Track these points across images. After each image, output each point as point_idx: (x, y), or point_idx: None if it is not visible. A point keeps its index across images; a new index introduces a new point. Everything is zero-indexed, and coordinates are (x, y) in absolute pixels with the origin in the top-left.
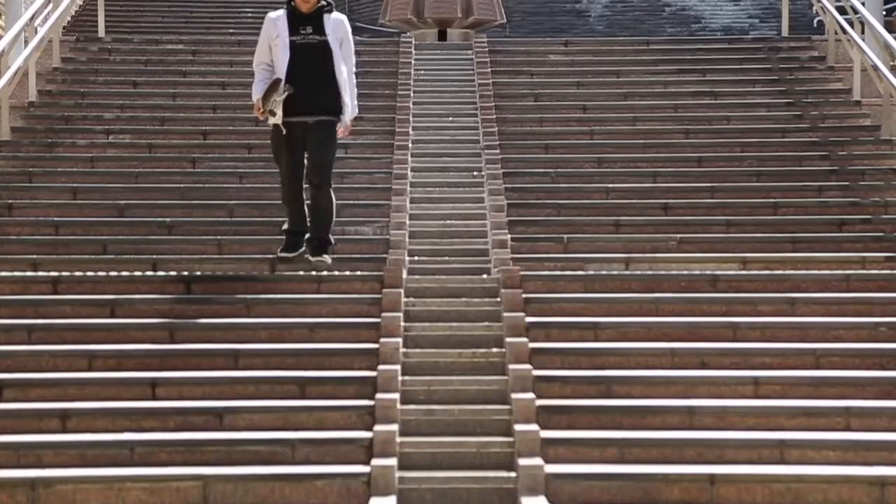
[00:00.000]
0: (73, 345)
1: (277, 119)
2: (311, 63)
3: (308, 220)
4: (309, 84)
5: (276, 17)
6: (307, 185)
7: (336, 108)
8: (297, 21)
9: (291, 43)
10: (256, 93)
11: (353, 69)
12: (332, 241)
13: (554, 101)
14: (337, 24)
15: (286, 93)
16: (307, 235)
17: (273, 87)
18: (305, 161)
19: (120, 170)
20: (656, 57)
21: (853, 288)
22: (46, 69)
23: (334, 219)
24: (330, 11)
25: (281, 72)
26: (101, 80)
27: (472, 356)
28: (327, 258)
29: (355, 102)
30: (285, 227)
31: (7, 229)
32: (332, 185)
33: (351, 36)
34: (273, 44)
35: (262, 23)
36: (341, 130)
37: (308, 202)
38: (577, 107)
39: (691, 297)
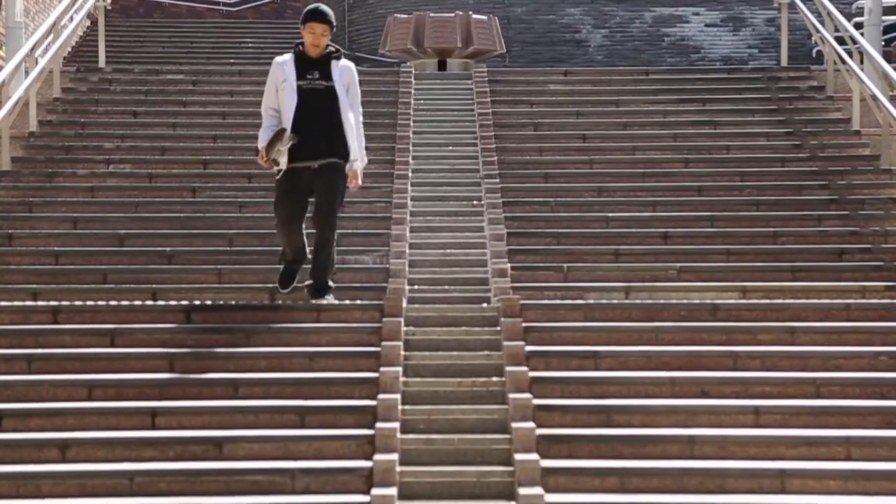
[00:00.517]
0: (72, 374)
1: (283, 165)
2: (318, 108)
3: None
4: (315, 129)
5: (284, 62)
6: (311, 236)
7: (342, 153)
8: (304, 66)
9: (298, 88)
10: (261, 140)
11: (361, 117)
12: (333, 285)
13: (553, 131)
14: (344, 71)
15: (291, 142)
16: (308, 282)
17: (277, 136)
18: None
19: (120, 199)
20: (656, 86)
21: (853, 317)
22: (47, 99)
23: (334, 265)
24: (339, 57)
25: (287, 116)
26: (102, 110)
27: (472, 385)
28: (331, 299)
29: (364, 152)
30: (283, 255)
31: (7, 259)
32: (336, 229)
33: (358, 83)
34: (280, 87)
35: (262, 53)
36: (352, 182)
37: (311, 247)
38: (576, 136)
39: (691, 326)
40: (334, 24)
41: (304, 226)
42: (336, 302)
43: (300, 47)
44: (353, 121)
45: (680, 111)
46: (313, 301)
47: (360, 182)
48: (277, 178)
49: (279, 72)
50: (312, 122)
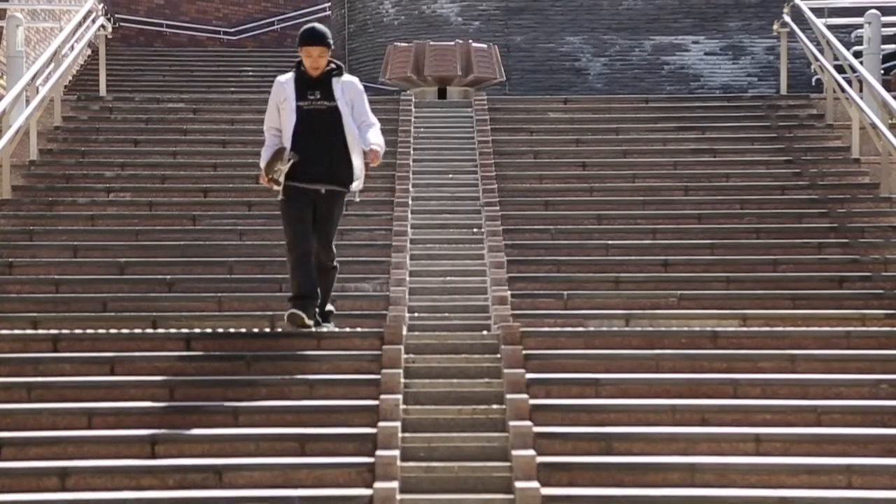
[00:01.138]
0: (72, 402)
1: (281, 178)
2: (319, 129)
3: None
4: (316, 150)
5: (285, 81)
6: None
7: (346, 178)
8: (305, 85)
9: (298, 108)
10: (263, 159)
11: (378, 126)
12: (333, 310)
13: (553, 158)
14: (347, 87)
15: (291, 161)
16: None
17: (277, 155)
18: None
19: (120, 227)
20: (656, 114)
21: (854, 345)
22: (48, 128)
23: (332, 289)
24: (340, 74)
25: (287, 137)
26: (102, 138)
27: (472, 413)
28: (332, 326)
29: (381, 139)
30: (291, 295)
31: (7, 287)
32: (336, 253)
33: (364, 97)
34: (281, 108)
35: (262, 81)
36: (371, 157)
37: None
38: (576, 164)
39: (692, 354)
40: (332, 43)
41: (312, 255)
42: (336, 329)
43: (301, 67)
44: (357, 135)
45: (680, 139)
46: (315, 329)
47: (379, 159)
48: (279, 199)
49: (280, 91)
50: (314, 143)
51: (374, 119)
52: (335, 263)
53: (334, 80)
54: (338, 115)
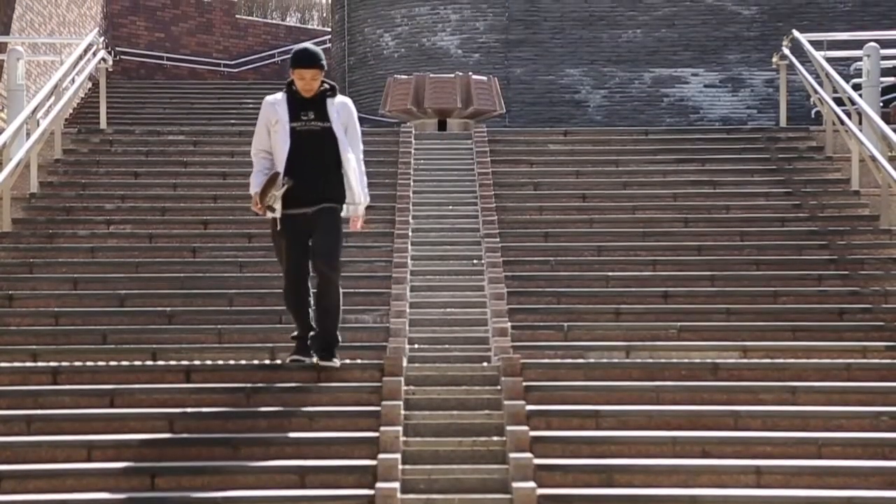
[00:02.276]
0: (72, 435)
1: (277, 213)
2: (313, 151)
3: (313, 318)
4: (311, 173)
5: (275, 102)
6: (314, 279)
7: (339, 197)
8: (297, 105)
9: (292, 129)
10: (254, 185)
11: (362, 156)
12: (340, 338)
13: (553, 190)
14: (341, 108)
15: (285, 186)
16: (312, 333)
17: (271, 181)
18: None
19: (120, 260)
20: (655, 146)
21: (854, 377)
22: (48, 161)
23: (342, 315)
24: (333, 95)
25: (280, 160)
26: (103, 171)
27: (472, 445)
28: (336, 362)
29: (366, 190)
30: (294, 334)
31: (7, 320)
32: (341, 276)
33: (357, 120)
34: (272, 129)
35: None
36: (356, 222)
37: (314, 296)
38: (576, 195)
39: (692, 386)
40: (325, 65)
41: (310, 290)
42: (339, 365)
43: (293, 86)
44: (353, 161)
45: (679, 171)
46: (320, 362)
47: (362, 224)
48: (274, 228)
49: (271, 112)
50: (308, 166)
51: (360, 147)
52: (338, 280)
53: (329, 100)
54: (332, 137)
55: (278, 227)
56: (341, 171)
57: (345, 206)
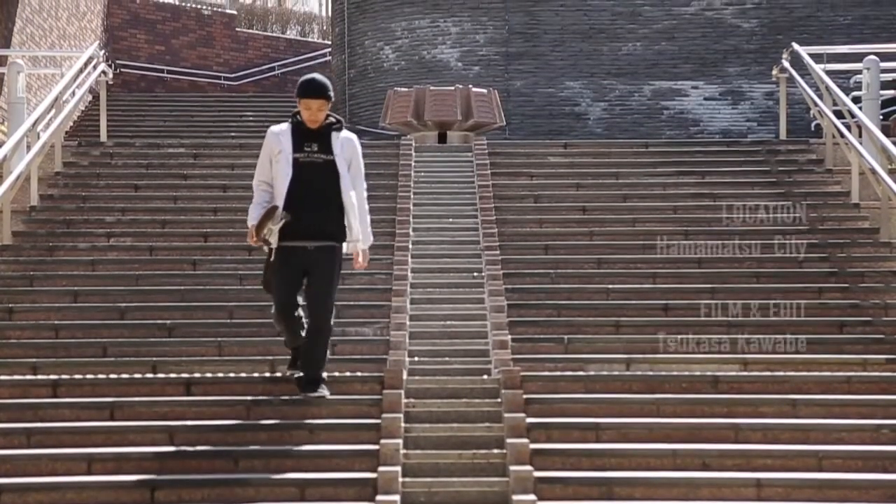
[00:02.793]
0: (72, 448)
1: (273, 244)
2: (315, 183)
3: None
4: (311, 206)
5: (280, 132)
6: (304, 315)
7: (339, 234)
8: (302, 137)
9: (295, 160)
10: (252, 217)
11: (365, 194)
12: (326, 377)
13: (554, 203)
14: (346, 144)
15: (283, 221)
16: (298, 374)
17: (269, 214)
18: (302, 293)
19: (121, 272)
20: (655, 159)
21: (855, 390)
22: (48, 174)
23: (328, 356)
24: (339, 129)
25: (280, 191)
26: (103, 183)
27: (472, 457)
28: (326, 392)
29: (369, 230)
30: (289, 347)
31: (7, 333)
32: (333, 316)
33: (361, 157)
34: (274, 160)
35: (263, 126)
36: (359, 262)
37: (304, 332)
38: (576, 208)
39: (692, 398)
40: (332, 96)
41: (301, 312)
42: (330, 396)
43: (298, 117)
44: (354, 199)
45: (679, 183)
46: (305, 395)
47: (365, 263)
48: (268, 259)
49: (274, 142)
50: (309, 198)
51: (364, 186)
52: (330, 325)
53: (334, 133)
54: (334, 171)
55: (272, 258)
56: (342, 206)
57: (351, 243)
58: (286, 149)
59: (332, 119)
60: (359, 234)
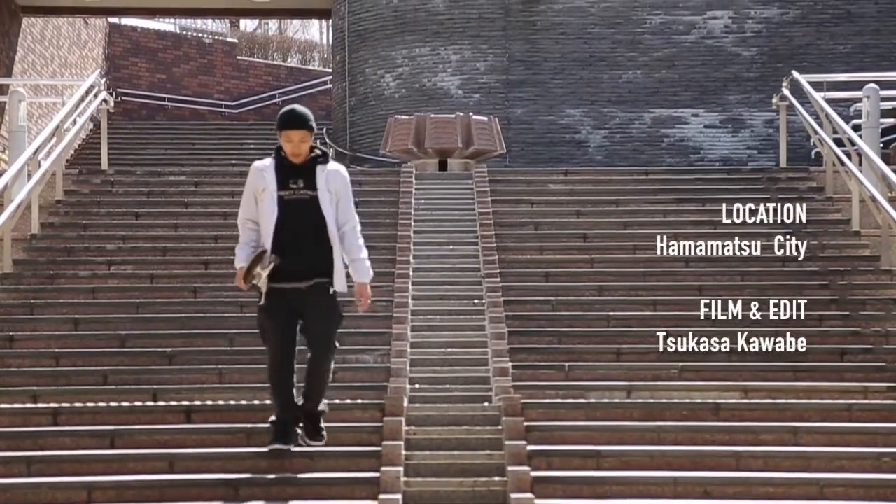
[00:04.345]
0: (72, 476)
1: (262, 288)
2: (303, 221)
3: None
4: (301, 245)
5: (263, 168)
6: (304, 354)
7: (331, 271)
8: (286, 173)
9: (279, 198)
10: (239, 259)
11: (359, 227)
12: (326, 408)
13: (554, 230)
14: (332, 176)
15: (272, 265)
16: (299, 403)
17: (257, 259)
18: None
19: (121, 300)
20: (656, 186)
21: (856, 418)
22: (49, 202)
23: (328, 386)
24: (325, 162)
25: (267, 231)
26: (104, 211)
27: (473, 485)
28: (323, 435)
29: (368, 263)
30: (272, 418)
31: (8, 361)
32: (334, 354)
33: (350, 189)
34: (259, 198)
35: (263, 154)
36: (362, 302)
37: (304, 370)
38: (577, 235)
39: (693, 426)
40: (314, 126)
41: (294, 370)
42: (326, 448)
43: (282, 152)
44: (336, 234)
45: (680, 211)
46: (310, 443)
47: (368, 304)
48: (260, 303)
49: (258, 180)
50: (298, 237)
51: (356, 219)
52: (331, 359)
53: (319, 167)
54: (320, 207)
55: (263, 302)
56: (330, 244)
57: (338, 281)
58: (270, 187)
59: (317, 151)
60: (340, 285)
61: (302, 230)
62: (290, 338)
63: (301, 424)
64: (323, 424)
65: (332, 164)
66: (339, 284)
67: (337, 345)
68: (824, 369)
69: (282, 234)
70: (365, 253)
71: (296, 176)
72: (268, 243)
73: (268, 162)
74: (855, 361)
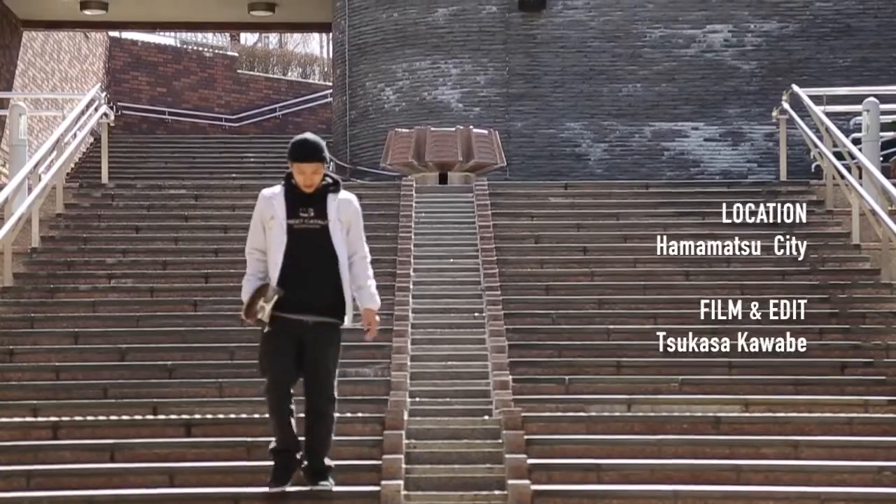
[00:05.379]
0: (72, 490)
1: (266, 320)
2: (312, 251)
3: (302, 438)
4: (309, 276)
5: (272, 196)
6: (306, 399)
7: (340, 306)
8: (296, 201)
9: (289, 227)
10: (245, 291)
11: (369, 256)
12: (333, 465)
13: (554, 243)
14: (343, 206)
15: (276, 297)
16: (303, 463)
17: (260, 291)
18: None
19: (121, 314)
20: (656, 200)
21: (856, 431)
22: (50, 215)
23: (333, 439)
24: (336, 190)
25: (275, 261)
26: (104, 225)
27: (473, 499)
28: (331, 483)
29: (375, 291)
30: (273, 446)
31: (8, 375)
32: (336, 402)
33: (361, 219)
34: (267, 226)
35: (264, 168)
36: (370, 331)
37: (304, 423)
38: (577, 248)
39: (694, 440)
40: (327, 157)
41: (293, 404)
42: (335, 489)
43: (292, 179)
44: (347, 265)
45: (680, 224)
46: (313, 486)
47: (375, 330)
48: (263, 331)
49: (267, 208)
50: (306, 268)
51: (366, 250)
52: (334, 412)
53: (330, 196)
54: (330, 237)
55: (266, 329)
56: (340, 276)
57: (347, 316)
58: (279, 215)
59: (328, 180)
60: (350, 307)
61: (310, 261)
62: (290, 367)
63: (304, 464)
64: (331, 478)
65: (344, 194)
66: (347, 320)
67: (336, 395)
68: (825, 383)
69: (290, 264)
70: (373, 282)
71: (306, 205)
72: (274, 273)
73: (277, 189)
74: (855, 375)
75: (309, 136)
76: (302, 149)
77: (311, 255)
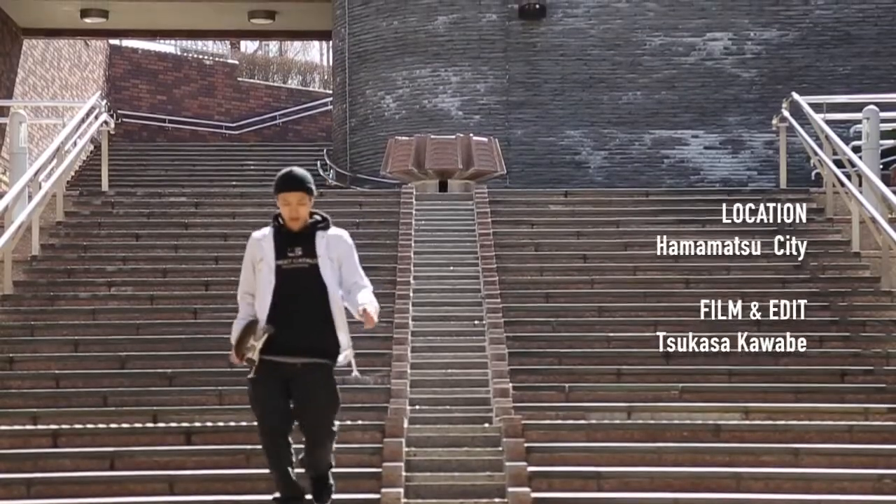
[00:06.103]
0: (71, 498)
1: (256, 360)
2: (301, 292)
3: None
4: (297, 317)
5: (262, 238)
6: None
7: (331, 348)
8: (285, 241)
9: (277, 268)
10: (235, 332)
11: (370, 286)
12: (333, 485)
13: (554, 251)
14: (333, 242)
15: (265, 335)
16: (305, 475)
17: (248, 329)
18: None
19: (121, 321)
20: (656, 207)
21: (857, 439)
22: (50, 223)
23: (333, 466)
24: (325, 228)
25: (264, 302)
26: (104, 233)
27: None
28: (332, 489)
29: (374, 299)
30: (276, 495)
31: (8, 383)
32: (334, 441)
33: (355, 254)
34: (257, 268)
35: (264, 175)
36: (367, 320)
37: (303, 452)
38: (577, 256)
39: (694, 447)
40: (314, 189)
41: (292, 448)
42: (335, 496)
43: (280, 220)
44: (340, 299)
45: (680, 232)
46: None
47: (375, 319)
48: (249, 376)
49: (256, 249)
50: (294, 309)
51: (366, 281)
52: (330, 480)
53: (318, 233)
54: (321, 276)
55: (252, 374)
56: (331, 317)
57: (341, 355)
58: (268, 256)
59: (316, 217)
60: (347, 346)
61: (299, 301)
62: (281, 413)
63: (308, 497)
64: (331, 481)
65: (334, 230)
66: (343, 358)
67: (336, 428)
68: (825, 390)
69: (279, 305)
70: (376, 302)
71: (293, 244)
72: (262, 315)
73: (266, 231)
74: (856, 383)
75: (294, 168)
76: (286, 179)
77: (298, 296)
